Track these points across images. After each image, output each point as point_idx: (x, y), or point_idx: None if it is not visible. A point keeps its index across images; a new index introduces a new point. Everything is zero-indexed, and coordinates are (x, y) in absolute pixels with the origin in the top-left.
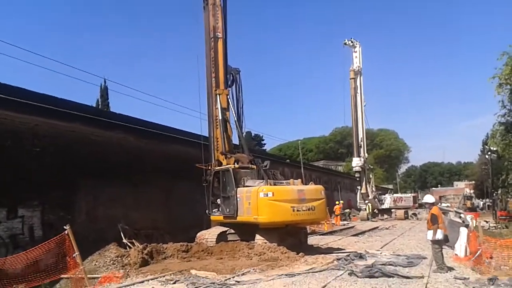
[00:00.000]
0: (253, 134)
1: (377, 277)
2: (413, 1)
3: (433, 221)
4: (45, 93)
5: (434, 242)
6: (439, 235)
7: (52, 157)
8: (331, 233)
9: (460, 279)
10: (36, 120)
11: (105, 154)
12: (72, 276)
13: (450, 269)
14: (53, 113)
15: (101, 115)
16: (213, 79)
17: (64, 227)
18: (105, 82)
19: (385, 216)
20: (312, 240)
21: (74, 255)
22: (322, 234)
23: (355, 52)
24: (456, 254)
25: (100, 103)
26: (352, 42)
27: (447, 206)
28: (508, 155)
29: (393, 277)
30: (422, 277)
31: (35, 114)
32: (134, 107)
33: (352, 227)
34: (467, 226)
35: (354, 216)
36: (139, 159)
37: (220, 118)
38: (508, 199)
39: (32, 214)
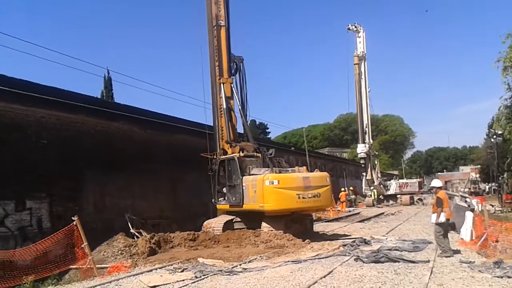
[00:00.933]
0: (257, 123)
1: (383, 262)
2: None
3: (438, 204)
4: (49, 85)
5: (437, 225)
6: (442, 218)
7: (58, 149)
8: (336, 219)
9: (466, 263)
10: (42, 113)
11: (111, 145)
12: (81, 266)
13: (456, 253)
14: (58, 105)
15: (106, 106)
16: (217, 68)
17: (72, 218)
18: (108, 73)
19: (391, 202)
20: (318, 227)
21: (82, 245)
22: (328, 221)
23: (359, 37)
24: (462, 238)
25: (104, 94)
26: (356, 27)
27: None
28: None
29: (398, 261)
30: (428, 261)
31: (41, 106)
32: (139, 97)
33: (358, 213)
34: (472, 210)
35: (359, 202)
36: (145, 149)
37: (225, 107)
38: None
39: (40, 206)
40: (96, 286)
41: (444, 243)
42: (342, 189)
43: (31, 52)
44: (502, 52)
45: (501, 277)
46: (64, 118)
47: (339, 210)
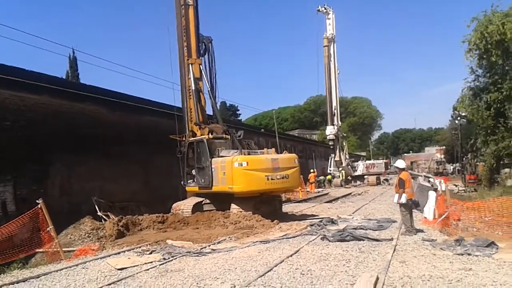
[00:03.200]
0: (228, 104)
1: (348, 241)
2: None
3: (400, 185)
4: (12, 65)
5: (401, 205)
6: (403, 199)
7: (23, 130)
8: (305, 200)
9: (428, 241)
10: (5, 94)
11: (78, 127)
12: (47, 250)
13: (419, 231)
14: (21, 86)
15: (71, 87)
16: (185, 48)
17: (37, 201)
18: (73, 52)
19: (358, 182)
20: (287, 208)
21: (48, 229)
22: (297, 202)
23: (329, 19)
24: (425, 217)
25: (70, 74)
26: (325, 8)
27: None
28: (477, 120)
29: (363, 240)
30: (391, 239)
31: (3, 87)
32: (105, 78)
33: (326, 194)
34: (435, 190)
35: (327, 183)
36: (113, 131)
37: (193, 88)
38: (477, 163)
39: (4, 189)
40: (62, 269)
41: (408, 221)
42: (312, 170)
43: None
44: (467, 34)
45: (462, 254)
46: (29, 99)
47: (308, 191)
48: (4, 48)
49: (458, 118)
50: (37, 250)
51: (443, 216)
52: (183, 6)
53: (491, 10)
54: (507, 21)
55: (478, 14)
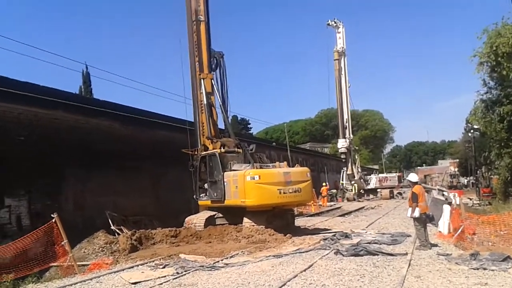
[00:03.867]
0: (239, 118)
1: (362, 255)
2: None
3: (413, 199)
4: (27, 81)
5: (415, 219)
6: (417, 213)
7: (37, 145)
8: (318, 214)
9: (443, 255)
10: (20, 109)
11: (91, 141)
12: (61, 264)
13: (434, 245)
14: (35, 101)
15: (84, 102)
16: (197, 63)
17: (52, 215)
18: (86, 68)
19: (371, 196)
20: (299, 222)
21: (62, 243)
22: (309, 216)
23: (339, 32)
24: (439, 231)
25: (82, 90)
26: (335, 22)
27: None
28: (490, 133)
29: (377, 254)
30: (406, 254)
31: (18, 102)
32: (118, 93)
33: (339, 208)
34: (450, 203)
35: (340, 197)
36: (126, 145)
37: (205, 102)
38: (492, 176)
39: (19, 204)
40: (77, 283)
41: (423, 236)
42: (324, 184)
43: (8, 47)
44: (478, 48)
45: (477, 269)
46: (42, 114)
47: (321, 205)
48: (18, 64)
49: (471, 131)
50: (52, 264)
51: (459, 231)
52: (194, 22)
53: (501, 23)
54: None
55: (488, 26)
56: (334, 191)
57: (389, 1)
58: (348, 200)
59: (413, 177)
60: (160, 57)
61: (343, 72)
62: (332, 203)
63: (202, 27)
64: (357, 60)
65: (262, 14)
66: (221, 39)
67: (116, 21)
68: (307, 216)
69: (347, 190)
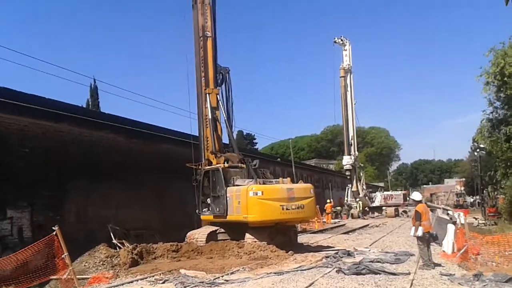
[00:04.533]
0: (244, 133)
1: (364, 274)
2: None
3: (416, 218)
4: (33, 93)
5: (418, 238)
6: (420, 232)
7: (41, 157)
8: (321, 231)
9: (446, 275)
10: (25, 121)
11: (95, 154)
12: (61, 277)
13: (437, 265)
14: (40, 114)
15: (90, 115)
16: (203, 78)
17: (53, 227)
18: (94, 81)
19: (376, 213)
20: (302, 239)
21: (63, 256)
22: (313, 233)
23: (345, 50)
24: (443, 251)
25: (90, 103)
26: (342, 40)
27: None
28: (496, 152)
29: (379, 273)
30: (409, 273)
31: (23, 114)
32: (125, 107)
33: (343, 225)
34: (454, 223)
35: (345, 214)
36: (129, 159)
37: (210, 117)
38: (498, 196)
39: (21, 215)
40: None
41: (426, 255)
42: (328, 200)
43: (16, 61)
44: (484, 67)
45: None
46: (48, 126)
47: (325, 222)
48: (26, 78)
49: (477, 150)
50: (52, 277)
51: (462, 250)
52: (201, 38)
53: (508, 42)
54: None
55: (495, 46)
56: (339, 208)
57: (396, 20)
58: (353, 217)
59: (416, 195)
60: (167, 71)
61: (349, 89)
62: (336, 220)
63: (209, 42)
64: (364, 77)
65: (270, 30)
66: (228, 55)
67: (124, 35)
68: (310, 233)
69: (352, 207)
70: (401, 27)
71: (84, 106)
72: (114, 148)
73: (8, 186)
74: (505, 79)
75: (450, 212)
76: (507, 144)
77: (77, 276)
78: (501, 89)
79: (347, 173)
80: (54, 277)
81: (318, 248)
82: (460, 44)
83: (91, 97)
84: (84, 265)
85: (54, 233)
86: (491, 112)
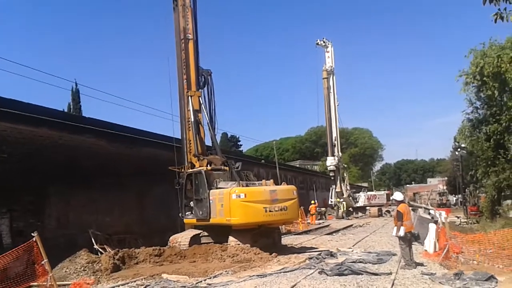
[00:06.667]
0: (229, 135)
1: (346, 275)
2: (384, 0)
3: (398, 218)
4: (12, 98)
5: (400, 238)
6: (401, 232)
7: (20, 163)
8: (306, 232)
9: (427, 275)
10: (3, 126)
11: (75, 158)
12: (41, 283)
13: (419, 265)
14: (19, 118)
15: (70, 119)
16: (185, 80)
17: (32, 234)
18: (76, 85)
19: (360, 214)
20: (286, 240)
21: (42, 262)
22: (297, 234)
23: (327, 52)
24: (425, 250)
25: (72, 107)
26: (324, 42)
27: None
28: (477, 151)
29: (362, 274)
30: (390, 273)
31: (1, 119)
32: (107, 110)
33: (327, 226)
34: (436, 222)
35: (329, 215)
36: (111, 163)
37: (192, 120)
38: (479, 194)
39: (0, 222)
40: None
41: (408, 255)
42: (312, 201)
43: None
44: (463, 69)
45: None
46: (27, 131)
47: (309, 223)
48: (5, 82)
49: (459, 149)
50: (32, 283)
51: (445, 250)
52: (183, 40)
53: (489, 43)
54: (503, 54)
55: (476, 46)
56: (324, 209)
57: (378, 21)
58: (337, 217)
59: (398, 195)
60: (148, 74)
61: (331, 91)
62: (321, 221)
63: (191, 45)
64: (346, 79)
65: (253, 33)
66: (211, 57)
67: (105, 38)
68: (294, 234)
69: (339, 207)
70: (382, 28)
71: (66, 110)
72: (95, 152)
73: None
74: (485, 79)
75: (431, 212)
76: (487, 143)
77: (58, 283)
78: (481, 89)
79: (331, 173)
80: (34, 283)
81: (302, 250)
82: (441, 44)
83: (73, 101)
84: (65, 271)
85: (33, 239)
86: (471, 112)
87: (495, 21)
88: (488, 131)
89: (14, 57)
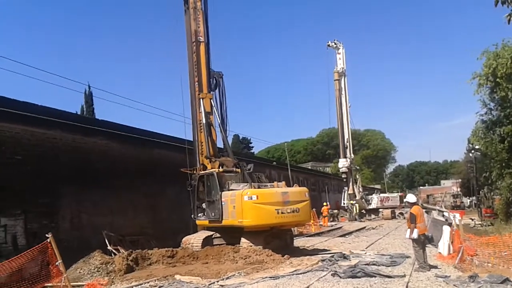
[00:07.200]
0: (240, 137)
1: (359, 277)
2: (395, 2)
3: (411, 220)
4: (26, 101)
5: (414, 240)
6: (415, 234)
7: (34, 165)
8: (318, 234)
9: (441, 277)
10: (17, 128)
11: (88, 160)
12: (56, 284)
13: (433, 267)
14: (33, 121)
15: (82, 122)
16: (196, 83)
17: (46, 235)
18: (89, 88)
19: (373, 216)
20: (298, 242)
21: (57, 263)
22: (309, 236)
23: (339, 53)
24: (439, 253)
25: (84, 109)
26: (335, 43)
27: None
28: (491, 153)
29: (375, 276)
30: (404, 276)
31: (16, 122)
32: (120, 113)
33: (340, 228)
34: (450, 224)
35: (342, 217)
36: (123, 165)
37: (204, 122)
38: (494, 196)
39: (15, 223)
40: None
41: (422, 257)
42: (324, 203)
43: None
44: (475, 71)
45: None
46: (40, 134)
47: (321, 225)
48: (20, 85)
49: (473, 151)
50: (46, 284)
51: (460, 253)
52: (194, 43)
53: (502, 44)
54: None
55: (488, 48)
56: (336, 211)
57: (390, 22)
58: (350, 219)
59: (411, 197)
60: (161, 77)
61: (343, 92)
62: (333, 223)
63: (202, 47)
64: (358, 80)
65: (265, 34)
66: (223, 59)
67: (118, 41)
68: (307, 236)
69: (352, 209)
70: (395, 30)
71: (79, 112)
72: (108, 154)
73: (1, 194)
74: (498, 80)
75: (445, 214)
76: (501, 145)
77: (72, 283)
78: (494, 90)
79: (343, 175)
80: (49, 284)
81: (314, 252)
82: (454, 46)
83: (86, 103)
84: (79, 272)
85: (48, 240)
86: (485, 114)
87: (508, 22)
88: (502, 132)
89: (27, 60)
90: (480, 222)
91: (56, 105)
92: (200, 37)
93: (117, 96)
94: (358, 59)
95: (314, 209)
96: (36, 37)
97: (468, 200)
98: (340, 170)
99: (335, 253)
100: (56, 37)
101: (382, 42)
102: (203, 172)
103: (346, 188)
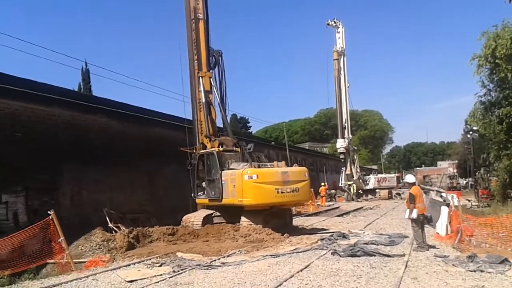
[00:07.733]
0: (238, 117)
1: (359, 256)
2: None
3: (411, 200)
4: (24, 77)
5: (413, 220)
6: (414, 214)
7: (34, 142)
8: (316, 214)
9: (440, 257)
10: (16, 105)
11: (88, 138)
12: (58, 261)
13: (431, 247)
14: (32, 98)
15: (82, 99)
16: (195, 61)
17: (49, 212)
18: (86, 65)
19: (370, 196)
20: (297, 221)
21: (59, 240)
22: (308, 215)
23: (338, 32)
24: (437, 233)
25: (82, 86)
26: (335, 22)
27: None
28: (489, 134)
29: (374, 255)
30: (403, 255)
31: (14, 99)
32: (118, 90)
33: (337, 208)
34: (448, 205)
35: (339, 197)
36: (123, 143)
37: (204, 101)
38: (490, 178)
39: (16, 200)
40: (73, 280)
41: (420, 237)
42: (322, 183)
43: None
44: (475, 52)
45: (474, 271)
46: (39, 111)
47: (319, 205)
48: (17, 61)
49: (470, 132)
50: (48, 260)
51: (459, 233)
52: (193, 20)
53: (501, 25)
54: None
55: (488, 29)
56: (333, 191)
57: (389, 2)
58: (347, 200)
59: (410, 178)
60: (160, 55)
61: (342, 72)
62: (331, 203)
63: (201, 25)
64: (357, 61)
65: (263, 14)
66: (221, 38)
67: (116, 19)
68: (305, 216)
69: (349, 189)
70: (394, 10)
71: (76, 90)
72: (107, 132)
73: (1, 171)
74: (497, 61)
75: (443, 194)
76: (500, 126)
77: (74, 260)
78: (494, 71)
79: (341, 156)
80: (51, 261)
81: (313, 231)
82: (452, 26)
83: (83, 80)
84: (81, 249)
85: (50, 217)
86: (484, 95)
87: (510, 1)
88: (500, 114)
89: (24, 36)
90: (476, 203)
91: (53, 83)
92: (199, 14)
93: (115, 73)
94: (358, 39)
95: (312, 189)
96: (32, 12)
97: (464, 181)
98: (338, 150)
99: (334, 232)
100: (53, 12)
101: (381, 22)
102: (203, 151)
103: (344, 168)
